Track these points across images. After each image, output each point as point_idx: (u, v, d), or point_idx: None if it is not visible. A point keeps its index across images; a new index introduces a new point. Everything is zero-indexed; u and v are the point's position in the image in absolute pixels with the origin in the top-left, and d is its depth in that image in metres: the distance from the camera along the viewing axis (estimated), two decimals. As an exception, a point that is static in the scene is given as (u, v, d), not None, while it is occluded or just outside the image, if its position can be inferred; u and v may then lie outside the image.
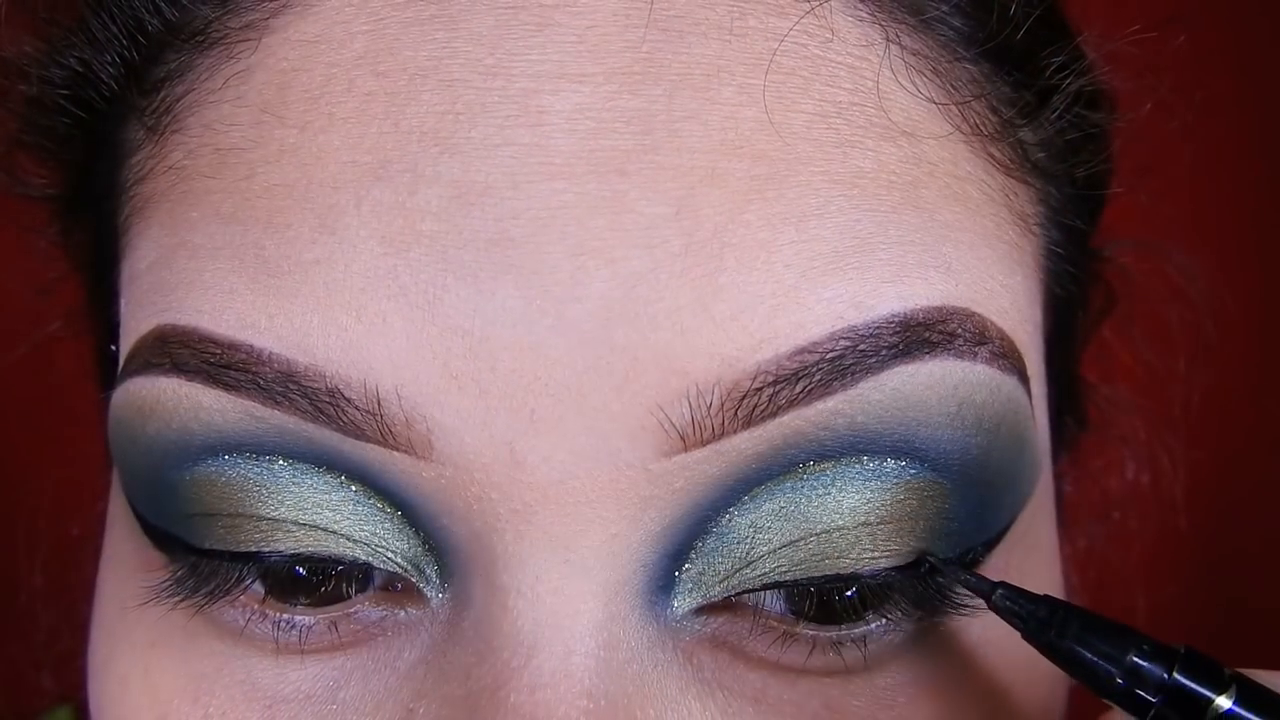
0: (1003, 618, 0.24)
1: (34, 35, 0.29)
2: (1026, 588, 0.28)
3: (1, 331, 0.44)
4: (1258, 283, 0.46)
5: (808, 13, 0.24)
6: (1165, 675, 0.23)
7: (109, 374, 0.35)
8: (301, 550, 0.24)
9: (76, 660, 0.42)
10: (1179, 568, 0.47)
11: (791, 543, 0.24)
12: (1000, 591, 0.24)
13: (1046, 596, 0.24)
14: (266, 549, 0.24)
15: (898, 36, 0.25)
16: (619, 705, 0.23)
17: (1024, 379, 0.26)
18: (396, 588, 0.25)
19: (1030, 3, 0.26)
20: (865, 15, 0.24)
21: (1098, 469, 0.41)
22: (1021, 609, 0.24)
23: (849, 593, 0.25)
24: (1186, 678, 0.23)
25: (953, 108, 0.25)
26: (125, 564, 0.28)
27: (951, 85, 0.25)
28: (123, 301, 0.28)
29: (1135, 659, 0.23)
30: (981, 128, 0.26)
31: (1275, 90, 0.44)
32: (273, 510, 0.24)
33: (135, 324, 0.26)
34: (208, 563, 0.25)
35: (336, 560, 0.25)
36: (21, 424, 0.50)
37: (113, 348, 0.29)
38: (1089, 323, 0.36)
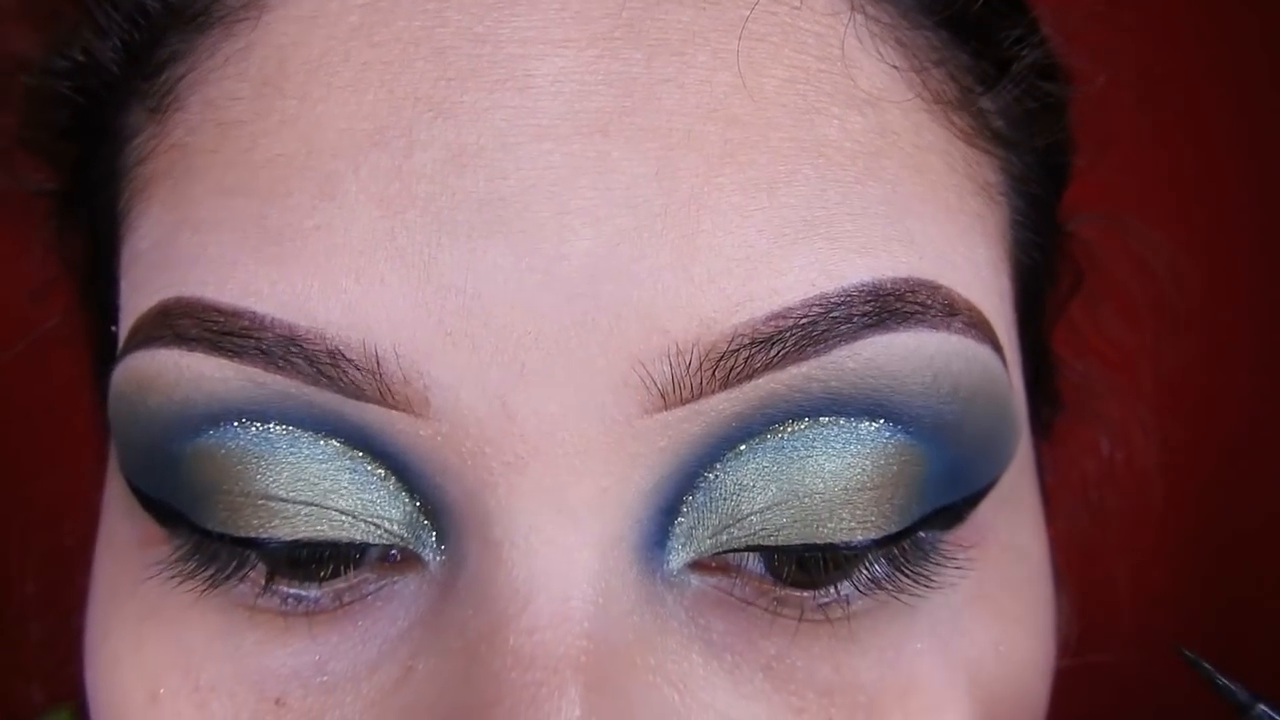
0: None
1: (35, 29, 0.30)
2: (1014, 543, 0.29)
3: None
4: (1220, 252, 0.47)
5: None
6: None
7: (105, 369, 0.35)
8: (298, 536, 0.25)
9: (69, 669, 0.42)
10: (1159, 544, 0.48)
11: (776, 504, 0.25)
12: (1259, 707, 0.24)
13: None
14: (264, 535, 0.25)
15: (862, 4, 0.26)
16: (618, 650, 0.24)
17: (997, 348, 0.27)
18: (394, 558, 0.26)
19: None
20: None
21: (1075, 452, 0.42)
22: None
23: (823, 555, 0.25)
24: None
25: (914, 75, 0.26)
26: (123, 542, 0.29)
27: (913, 53, 0.27)
28: (123, 284, 0.28)
29: None
30: (942, 95, 0.27)
31: (1232, 61, 0.46)
32: (270, 486, 0.25)
33: (136, 303, 0.27)
34: (210, 542, 0.26)
35: (332, 543, 0.25)
36: (15, 432, 0.50)
37: (113, 328, 0.29)
38: (1059, 300, 0.37)
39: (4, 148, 0.34)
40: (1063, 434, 0.39)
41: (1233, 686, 0.24)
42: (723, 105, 0.24)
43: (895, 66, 0.26)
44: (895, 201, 0.25)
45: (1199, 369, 0.45)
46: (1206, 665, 0.25)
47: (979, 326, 0.26)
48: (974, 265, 0.27)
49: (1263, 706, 0.24)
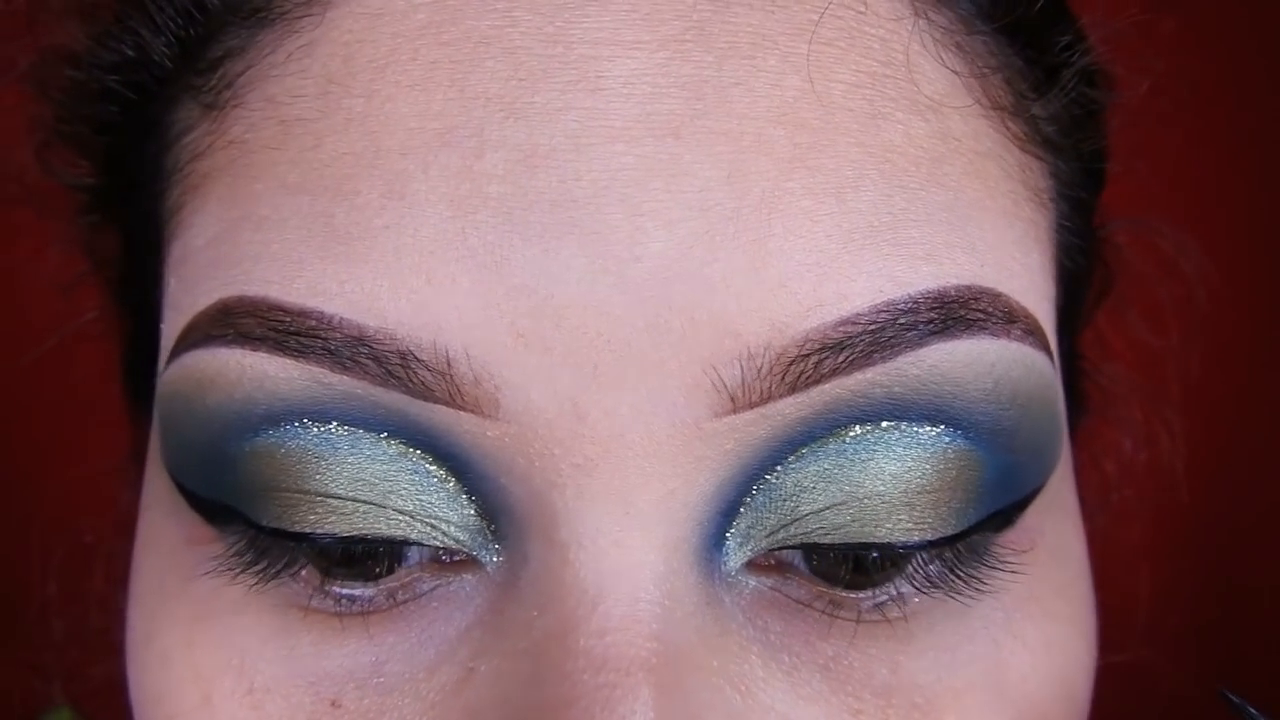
0: None
1: (81, 21, 0.29)
2: (1061, 546, 0.29)
3: (15, 338, 0.43)
4: (1245, 256, 0.48)
5: None
6: None
7: (139, 369, 0.35)
8: (355, 532, 0.25)
9: (88, 669, 0.42)
10: (1180, 545, 0.48)
11: (835, 505, 0.25)
12: None
13: None
14: (320, 530, 0.25)
15: (924, 10, 0.26)
16: (684, 652, 0.24)
17: (1049, 354, 0.27)
18: (448, 558, 0.26)
19: None
20: None
21: (1096, 451, 0.42)
22: None
23: (874, 555, 0.25)
24: None
25: (973, 80, 0.27)
26: (167, 542, 0.28)
27: (974, 58, 0.27)
28: (172, 281, 0.28)
29: None
30: (999, 100, 0.27)
31: (1263, 69, 0.46)
32: (328, 484, 0.25)
33: (190, 301, 0.27)
34: (264, 539, 0.26)
35: (387, 540, 0.25)
36: (34, 431, 0.49)
37: (159, 330, 0.29)
38: (1088, 304, 0.37)
39: (40, 142, 0.33)
40: (1084, 434, 0.40)
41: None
42: (792, 109, 0.24)
43: (955, 72, 0.26)
44: (957, 208, 0.26)
45: (1224, 371, 0.46)
46: (1252, 710, 0.24)
47: (1035, 333, 0.27)
48: (1029, 272, 0.27)
49: None
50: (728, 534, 0.25)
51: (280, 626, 0.26)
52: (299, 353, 0.24)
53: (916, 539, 0.25)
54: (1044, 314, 0.28)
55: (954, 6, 0.27)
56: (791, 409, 0.24)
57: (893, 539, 0.25)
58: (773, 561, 0.26)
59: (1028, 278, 0.27)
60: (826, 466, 0.25)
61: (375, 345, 0.24)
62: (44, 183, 0.35)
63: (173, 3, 0.27)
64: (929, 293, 0.25)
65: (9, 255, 0.42)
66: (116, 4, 0.29)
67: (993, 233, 0.26)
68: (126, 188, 0.31)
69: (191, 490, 0.27)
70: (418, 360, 0.23)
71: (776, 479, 0.25)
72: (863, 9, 0.25)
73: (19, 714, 0.44)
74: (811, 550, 0.25)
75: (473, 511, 0.25)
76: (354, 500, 0.25)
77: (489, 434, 0.24)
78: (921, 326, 0.24)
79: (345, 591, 0.26)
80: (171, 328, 0.28)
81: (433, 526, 0.25)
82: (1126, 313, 0.39)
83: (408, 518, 0.25)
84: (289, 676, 0.25)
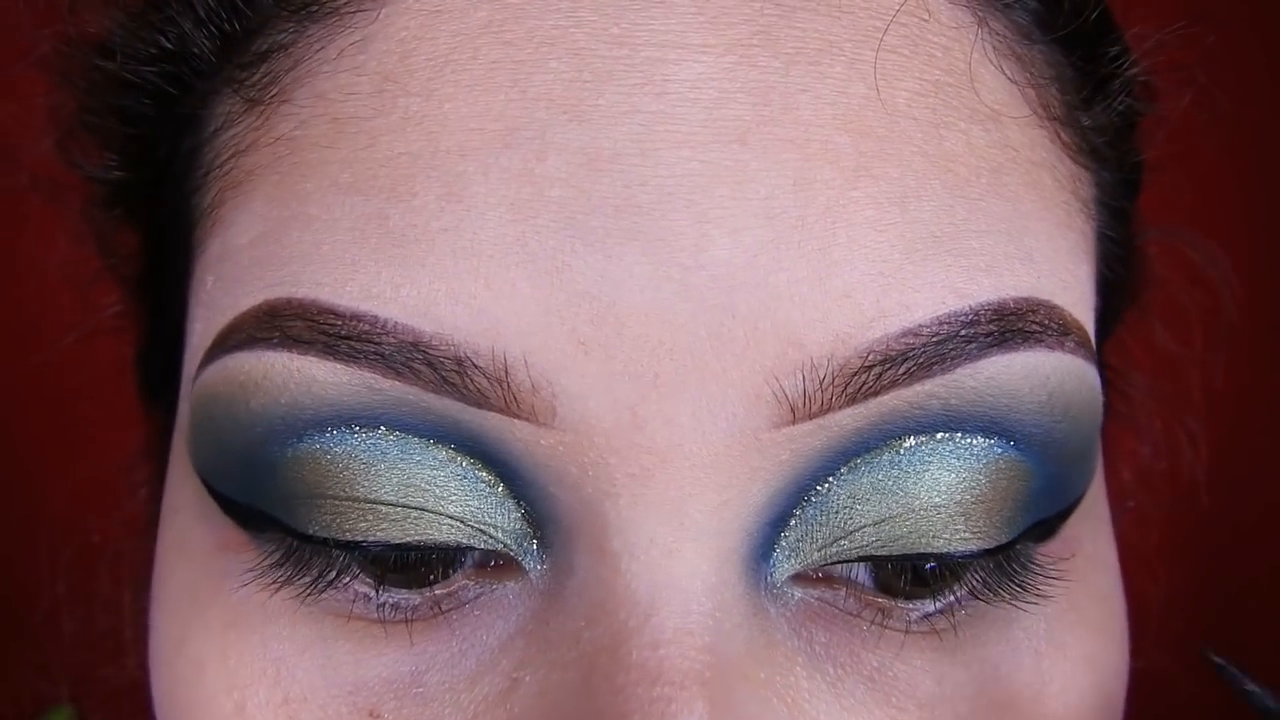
0: None
1: (120, 11, 0.28)
2: (1099, 554, 0.29)
3: (22, 338, 0.42)
4: (1272, 267, 0.48)
5: None
6: None
7: (158, 367, 0.34)
8: (407, 539, 0.24)
9: (97, 670, 0.41)
10: (1196, 553, 0.49)
11: (889, 518, 0.25)
12: None
13: None
14: (370, 539, 0.24)
15: (986, 18, 0.26)
16: (734, 664, 0.24)
17: (1098, 366, 0.27)
18: (492, 565, 0.25)
19: None
20: None
21: (1114, 456, 0.43)
22: None
23: (930, 565, 0.25)
24: None
25: (1030, 90, 0.27)
26: (198, 548, 0.28)
27: (1031, 68, 0.27)
28: (210, 279, 0.27)
29: None
30: (1053, 110, 0.27)
31: None
32: (376, 490, 0.24)
33: (231, 300, 0.26)
34: (305, 548, 0.25)
35: (439, 546, 0.24)
36: (41, 432, 0.48)
37: (182, 329, 0.28)
38: (1118, 309, 0.37)
39: (61, 133, 0.32)
40: (1106, 434, 0.40)
41: (1260, 691, 0.24)
42: (857, 117, 0.24)
43: (1014, 81, 0.26)
44: (1015, 219, 0.25)
45: (1246, 380, 0.46)
46: (1234, 670, 0.25)
47: (1085, 345, 0.27)
48: (1080, 283, 0.27)
49: None
50: (776, 545, 0.25)
51: (318, 635, 0.25)
52: (350, 357, 0.24)
53: (975, 547, 0.25)
54: (1090, 324, 0.28)
55: (1013, 16, 0.27)
56: (848, 420, 0.24)
57: (950, 549, 0.25)
58: (823, 574, 0.25)
59: (1079, 289, 0.27)
60: (880, 478, 0.25)
61: (430, 351, 0.23)
62: (53, 179, 0.34)
63: None
64: (989, 304, 0.24)
65: (15, 255, 0.41)
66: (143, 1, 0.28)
67: (1049, 244, 0.26)
68: (154, 182, 0.30)
69: (226, 495, 0.26)
70: (475, 367, 0.23)
71: (829, 490, 0.25)
72: (926, 17, 0.25)
73: (27, 714, 0.43)
74: (869, 561, 0.25)
75: (520, 516, 0.25)
76: (404, 506, 0.24)
77: (543, 442, 0.24)
78: (981, 339, 0.24)
79: (391, 599, 0.25)
80: (208, 327, 0.27)
81: (482, 531, 0.24)
82: (1150, 320, 0.39)
83: (458, 523, 0.24)
84: (326, 686, 0.25)
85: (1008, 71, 0.26)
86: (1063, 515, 0.27)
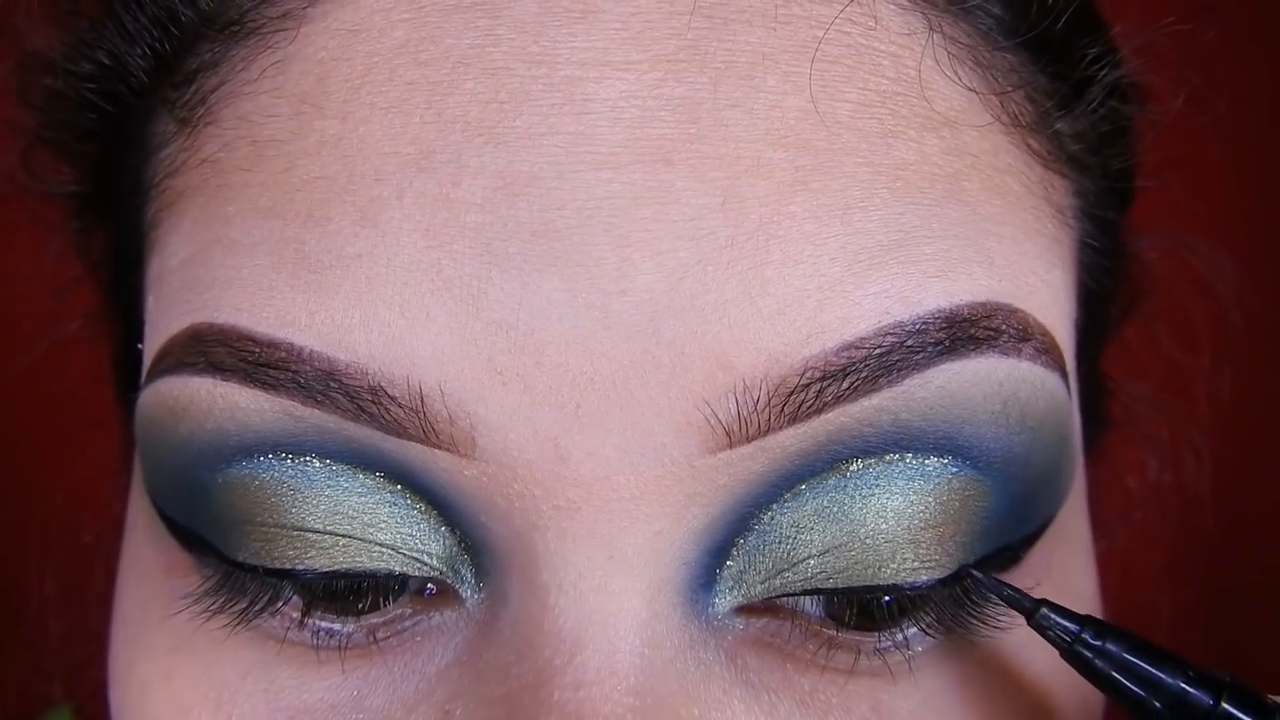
0: (1044, 637, 0.24)
1: (58, 28, 0.28)
2: (1069, 584, 0.28)
3: (13, 338, 0.43)
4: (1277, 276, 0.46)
5: (852, 0, 0.24)
6: (1212, 704, 0.22)
7: (129, 375, 0.34)
8: (336, 567, 0.24)
9: (89, 669, 0.41)
10: (1202, 568, 0.47)
11: (834, 547, 0.24)
12: (1042, 610, 0.24)
13: (1089, 617, 0.24)
14: (300, 566, 0.24)
15: (940, 25, 0.24)
16: (664, 703, 0.23)
17: (1065, 375, 0.26)
18: (430, 591, 0.25)
19: None
20: (907, 3, 0.24)
21: (1119, 467, 0.41)
22: (1063, 630, 0.23)
23: (886, 599, 0.24)
24: (1234, 707, 0.22)
25: (993, 98, 0.25)
26: (148, 567, 0.28)
27: (991, 75, 0.25)
28: (150, 298, 0.27)
29: (1182, 685, 0.22)
30: (1020, 118, 0.26)
31: None
32: (306, 518, 0.24)
33: (166, 322, 0.26)
34: (240, 574, 0.25)
35: (370, 574, 0.24)
36: (33, 431, 0.49)
37: (139, 346, 0.28)
38: (1113, 320, 0.36)
39: (24, 146, 0.32)
40: (1107, 449, 0.38)
41: (1014, 593, 0.24)
42: (794, 131, 0.23)
43: (972, 89, 0.25)
44: (974, 223, 0.24)
45: (1254, 393, 0.44)
46: (989, 579, 0.25)
47: (1049, 352, 0.25)
48: (1049, 288, 0.26)
49: (1044, 610, 0.24)
50: (718, 577, 0.24)
51: (258, 660, 0.25)
52: (270, 385, 0.23)
53: (925, 578, 0.24)
54: (1063, 332, 0.27)
55: (972, 21, 0.25)
56: (791, 440, 0.23)
57: (899, 579, 0.24)
58: (769, 605, 0.25)
59: (1048, 294, 0.26)
60: (825, 503, 0.24)
61: (346, 380, 0.23)
62: (38, 183, 0.34)
63: (145, 12, 0.26)
64: (939, 311, 0.23)
65: (6, 256, 0.41)
66: (91, 12, 0.28)
67: (1013, 247, 0.25)
68: (107, 197, 0.30)
69: (170, 516, 0.26)
70: (388, 397, 0.23)
71: (771, 518, 0.24)
72: (873, 24, 0.24)
73: (18, 714, 0.44)
74: (816, 594, 0.24)
75: (454, 543, 0.24)
76: (333, 534, 0.24)
77: (466, 472, 0.23)
78: (930, 348, 0.23)
79: (324, 625, 0.25)
80: (150, 346, 0.27)
81: (415, 559, 0.24)
82: (1157, 329, 0.37)
83: (390, 550, 0.24)
84: (268, 710, 0.25)
85: (964, 79, 0.25)
86: (1029, 540, 0.26)
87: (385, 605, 0.25)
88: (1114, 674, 0.23)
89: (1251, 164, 0.45)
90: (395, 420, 0.23)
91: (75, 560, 0.43)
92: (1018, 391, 0.24)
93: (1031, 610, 0.24)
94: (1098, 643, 0.23)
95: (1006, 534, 0.25)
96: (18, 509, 0.45)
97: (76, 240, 0.36)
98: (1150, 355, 0.38)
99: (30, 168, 0.32)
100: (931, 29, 0.24)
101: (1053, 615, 0.24)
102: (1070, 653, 0.24)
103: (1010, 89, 0.25)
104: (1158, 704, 0.23)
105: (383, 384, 0.22)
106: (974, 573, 0.24)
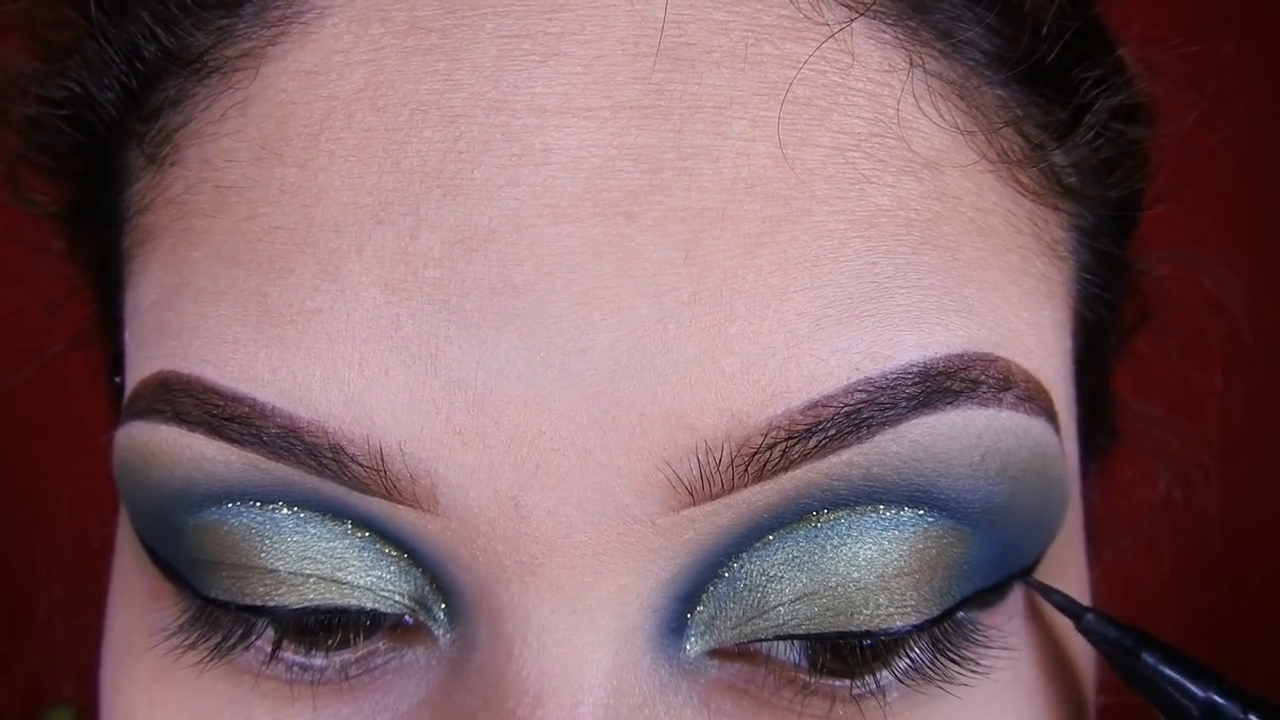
0: (1090, 642, 0.26)
1: (33, 54, 0.28)
2: (1056, 618, 0.27)
3: (17, 343, 0.44)
4: None
5: (829, 38, 0.22)
6: (1241, 715, 0.24)
7: (117, 393, 0.34)
8: (307, 604, 0.24)
9: (97, 671, 0.42)
10: (1209, 583, 0.46)
11: (806, 595, 0.23)
12: (1090, 616, 0.25)
13: (1135, 628, 0.25)
14: (272, 603, 0.24)
15: (922, 60, 0.23)
16: None
17: (1052, 418, 0.25)
18: (406, 622, 0.25)
19: (1065, 16, 0.25)
20: (889, 39, 0.23)
21: (1128, 481, 0.40)
22: (1110, 635, 0.25)
23: (865, 643, 0.24)
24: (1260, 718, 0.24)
25: (979, 135, 0.24)
26: (134, 594, 0.28)
27: (979, 111, 0.24)
28: (127, 334, 0.27)
29: (1214, 696, 0.24)
30: (1009, 154, 0.25)
31: None
32: (276, 561, 0.24)
33: (139, 362, 0.26)
34: (214, 609, 0.25)
35: (342, 610, 0.24)
36: (39, 435, 0.50)
37: (117, 380, 0.28)
38: (1121, 336, 0.34)
39: (9, 165, 0.32)
40: (1118, 461, 0.37)
41: (1063, 599, 0.26)
42: (761, 180, 0.22)
43: (957, 128, 0.24)
44: (953, 270, 0.23)
45: (1266, 411, 0.42)
46: (1038, 583, 0.26)
47: (1034, 399, 0.24)
48: (1037, 330, 0.25)
49: (1091, 616, 0.26)
50: (689, 622, 0.24)
51: (234, 695, 0.25)
52: (234, 440, 0.23)
53: (899, 624, 0.23)
54: (1053, 371, 0.26)
55: (959, 56, 0.24)
56: (758, 496, 0.22)
57: (872, 626, 0.23)
58: (742, 650, 0.24)
59: (1034, 336, 0.25)
60: (795, 553, 0.23)
61: (307, 438, 0.22)
62: (24, 203, 0.34)
63: (113, 45, 0.25)
64: (912, 366, 0.23)
65: (8, 261, 0.41)
66: (60, 43, 0.27)
67: (995, 292, 0.24)
68: (92, 218, 0.30)
69: (150, 547, 0.27)
70: (348, 455, 0.22)
71: (741, 566, 0.23)
72: (849, 62, 0.23)
73: (26, 714, 0.45)
74: (789, 640, 0.24)
75: (425, 584, 0.24)
76: (303, 575, 0.24)
77: (430, 527, 0.23)
78: (903, 403, 0.22)
79: (297, 660, 0.25)
80: (128, 379, 0.27)
81: (387, 597, 0.24)
82: (1167, 345, 0.36)
83: (361, 590, 0.24)
84: None
85: (948, 117, 0.23)
86: (1015, 578, 0.25)
87: (356, 642, 0.25)
88: (1155, 679, 0.25)
89: (1263, 181, 0.43)
90: (356, 477, 0.23)
91: (83, 564, 0.43)
92: (998, 442, 0.23)
93: (1080, 614, 0.26)
94: (1140, 649, 0.25)
95: (988, 576, 0.24)
96: (25, 513, 0.45)
97: (69, 255, 0.36)
98: (1161, 371, 0.37)
99: (17, 187, 0.32)
100: (913, 65, 0.23)
101: (1100, 621, 0.26)
102: (1113, 657, 0.26)
103: (1000, 125, 0.24)
104: (1194, 712, 0.25)
105: (342, 443, 0.22)
106: (1030, 580, 0.26)
